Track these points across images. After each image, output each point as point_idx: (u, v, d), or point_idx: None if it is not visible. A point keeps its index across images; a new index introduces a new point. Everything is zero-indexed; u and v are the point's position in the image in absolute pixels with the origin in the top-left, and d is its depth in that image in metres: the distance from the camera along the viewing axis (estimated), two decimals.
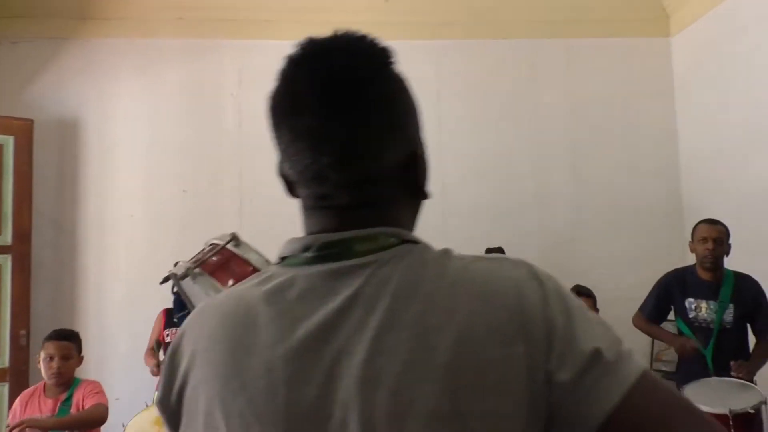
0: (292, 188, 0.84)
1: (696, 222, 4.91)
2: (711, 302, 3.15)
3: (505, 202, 5.32)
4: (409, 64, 4.85)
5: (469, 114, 5.43)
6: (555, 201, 5.35)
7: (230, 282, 1.05)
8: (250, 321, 0.73)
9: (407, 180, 0.81)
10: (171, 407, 0.75)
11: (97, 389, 2.97)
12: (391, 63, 0.78)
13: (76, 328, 4.94)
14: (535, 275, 0.71)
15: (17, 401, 2.99)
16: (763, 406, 2.60)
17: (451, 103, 5.39)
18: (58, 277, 5.03)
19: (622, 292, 4.65)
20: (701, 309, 3.17)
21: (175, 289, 1.34)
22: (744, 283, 3.17)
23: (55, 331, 3.00)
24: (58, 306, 5.01)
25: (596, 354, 0.63)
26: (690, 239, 3.41)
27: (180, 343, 0.77)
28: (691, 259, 5.17)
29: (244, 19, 5.29)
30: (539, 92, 5.47)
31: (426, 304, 0.69)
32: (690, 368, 3.09)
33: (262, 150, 5.24)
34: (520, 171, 5.38)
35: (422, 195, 0.82)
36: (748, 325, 3.16)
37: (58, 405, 2.90)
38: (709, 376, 2.94)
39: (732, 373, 2.88)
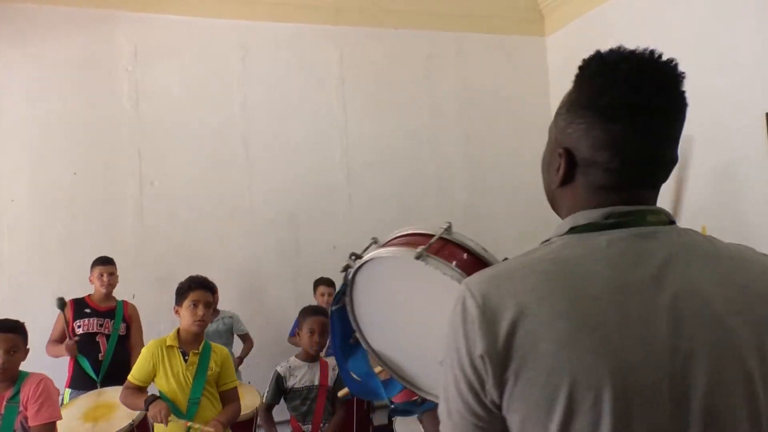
0: (572, 170, 0.97)
1: None
2: None
3: (407, 186, 5.59)
4: (313, 47, 5.01)
5: (371, 100, 5.60)
6: (452, 185, 5.73)
7: (453, 263, 1.12)
8: (579, 275, 0.87)
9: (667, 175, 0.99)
10: (498, 354, 0.86)
11: (44, 395, 2.62)
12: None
13: None
14: None
15: None
16: None
17: (355, 89, 5.53)
18: None
19: None
20: None
21: (349, 277, 1.36)
22: None
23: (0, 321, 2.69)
24: None
25: None
26: None
27: (485, 302, 0.88)
28: None
29: None
30: (434, 82, 5.80)
31: (732, 267, 0.91)
32: None
33: (163, 130, 5.07)
34: (421, 156, 5.68)
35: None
36: None
37: (4, 403, 2.58)
38: None
39: None
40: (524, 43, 6.13)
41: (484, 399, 0.88)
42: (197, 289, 2.87)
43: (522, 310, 0.85)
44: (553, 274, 0.88)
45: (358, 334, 1.40)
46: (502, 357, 0.85)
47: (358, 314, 1.39)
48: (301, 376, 3.05)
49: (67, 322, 3.89)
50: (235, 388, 2.93)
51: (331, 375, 3.12)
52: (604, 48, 0.98)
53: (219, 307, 4.59)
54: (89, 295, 4.10)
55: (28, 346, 2.74)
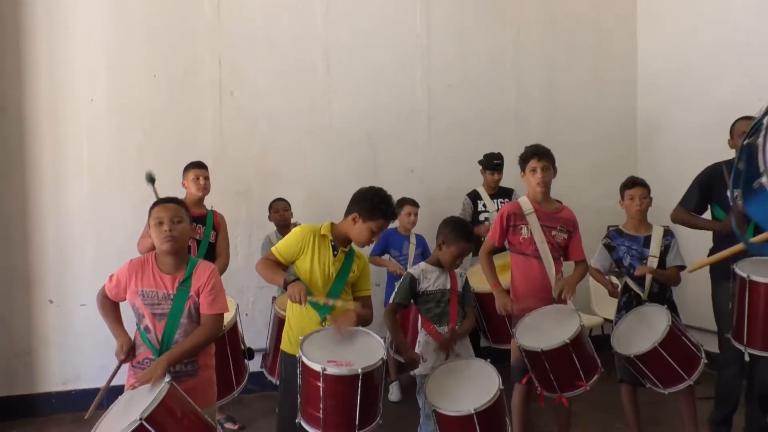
0: None
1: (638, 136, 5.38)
2: None
3: (486, 112, 5.39)
4: None
5: (455, 22, 5.34)
6: (531, 113, 5.52)
7: None
8: None
9: None
10: None
11: (218, 285, 2.51)
12: None
13: (30, 230, 4.33)
14: None
15: (125, 268, 2.51)
16: None
17: (439, 9, 5.27)
18: (3, 171, 4.28)
19: (586, 202, 5.00)
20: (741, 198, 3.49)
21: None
22: None
23: (160, 198, 2.60)
24: (5, 205, 4.28)
25: None
26: (730, 137, 3.66)
27: None
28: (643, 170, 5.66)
29: None
30: (519, 6, 5.51)
31: None
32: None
33: (243, 38, 4.84)
34: (501, 82, 5.46)
35: None
36: None
37: (177, 284, 2.45)
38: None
39: None
40: None
41: None
42: (386, 220, 2.68)
43: None
44: None
45: (764, 179, 1.20)
46: None
47: None
48: (434, 279, 2.94)
49: (157, 196, 3.66)
50: (370, 297, 2.80)
51: (459, 281, 3.01)
52: None
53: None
54: (182, 199, 3.96)
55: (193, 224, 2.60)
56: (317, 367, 2.29)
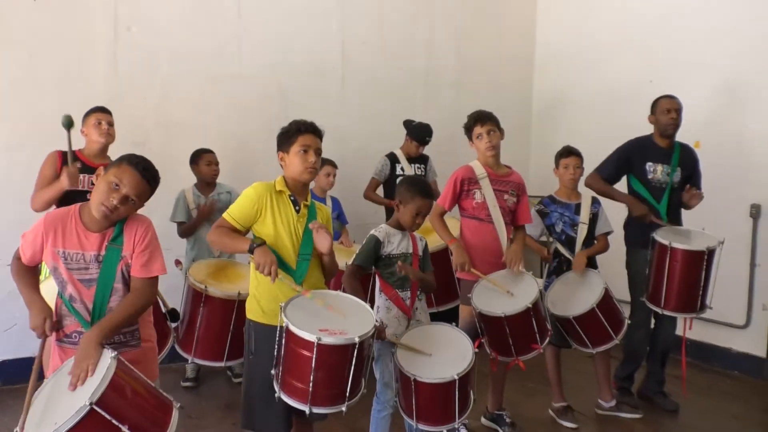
0: None
1: (557, 109, 5.65)
2: (665, 165, 3.75)
3: (398, 73, 5.28)
4: None
5: None
6: (440, 78, 5.50)
7: None
8: None
9: None
10: None
11: (154, 243, 2.17)
12: None
13: None
14: None
15: (41, 224, 2.06)
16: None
17: None
18: None
19: None
20: (657, 171, 3.76)
21: None
22: (687, 150, 3.82)
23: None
24: None
25: None
26: (651, 113, 3.85)
27: None
28: (538, 145, 5.91)
29: None
30: None
31: None
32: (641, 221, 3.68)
33: None
34: (413, 45, 5.36)
35: None
36: None
37: (105, 243, 2.05)
38: (662, 226, 3.57)
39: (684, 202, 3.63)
40: None
41: None
42: (307, 133, 2.43)
43: None
44: None
45: None
46: None
47: None
48: (398, 243, 2.78)
49: (70, 146, 3.15)
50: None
51: (419, 245, 2.89)
52: None
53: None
54: (80, 149, 3.39)
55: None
56: (311, 337, 2.07)
